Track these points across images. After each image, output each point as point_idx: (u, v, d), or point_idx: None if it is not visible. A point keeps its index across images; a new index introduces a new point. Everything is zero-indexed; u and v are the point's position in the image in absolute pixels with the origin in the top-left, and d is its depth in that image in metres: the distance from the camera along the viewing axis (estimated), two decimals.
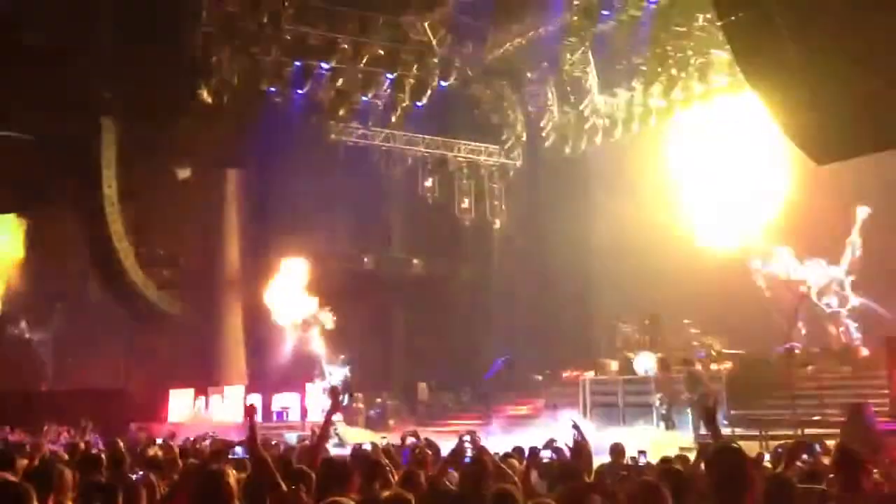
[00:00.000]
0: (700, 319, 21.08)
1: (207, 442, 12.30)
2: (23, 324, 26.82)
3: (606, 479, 6.92)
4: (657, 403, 16.97)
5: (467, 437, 8.37)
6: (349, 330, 21.06)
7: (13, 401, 21.50)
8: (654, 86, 21.64)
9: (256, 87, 21.59)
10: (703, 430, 15.15)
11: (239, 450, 8.29)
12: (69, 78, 19.97)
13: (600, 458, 8.14)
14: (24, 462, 7.04)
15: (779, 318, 17.71)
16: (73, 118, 21.07)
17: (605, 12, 20.66)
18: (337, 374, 18.76)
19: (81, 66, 19.61)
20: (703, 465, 4.85)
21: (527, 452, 8.00)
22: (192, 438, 14.44)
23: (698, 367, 16.65)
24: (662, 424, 16.74)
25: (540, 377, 21.30)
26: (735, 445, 4.32)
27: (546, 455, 8.32)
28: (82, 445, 9.24)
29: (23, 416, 19.06)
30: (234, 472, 5.83)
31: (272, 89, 22.03)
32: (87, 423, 14.69)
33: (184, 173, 23.91)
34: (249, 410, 5.93)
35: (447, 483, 6.14)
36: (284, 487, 5.15)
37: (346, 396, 18.39)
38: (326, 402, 18.77)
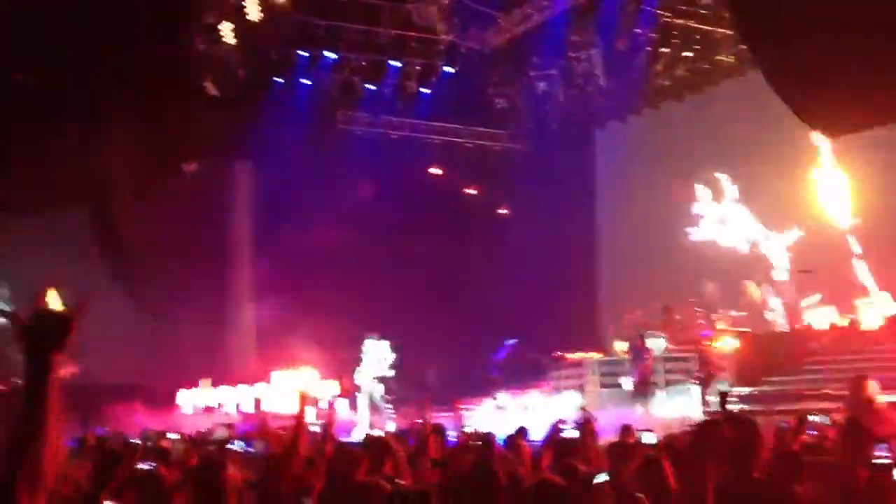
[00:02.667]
0: (707, 298, 21.12)
1: (217, 434, 12.39)
2: None
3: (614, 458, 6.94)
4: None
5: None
6: (356, 317, 21.11)
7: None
8: (659, 65, 21.61)
9: (262, 78, 21.64)
10: (709, 408, 15.32)
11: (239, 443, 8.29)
12: (72, 72, 20.01)
13: (609, 438, 8.16)
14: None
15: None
16: (78, 111, 21.14)
17: None
18: (375, 351, 18.66)
19: (85, 59, 19.63)
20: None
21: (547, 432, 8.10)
22: (204, 430, 14.56)
23: (710, 349, 16.80)
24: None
25: (547, 360, 21.35)
26: (745, 417, 4.36)
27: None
28: (93, 440, 9.30)
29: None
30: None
31: (278, 80, 22.07)
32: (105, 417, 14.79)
33: (190, 166, 23.96)
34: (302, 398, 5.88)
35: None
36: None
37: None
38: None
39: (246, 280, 24.37)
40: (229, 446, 7.46)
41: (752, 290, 20.30)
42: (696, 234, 21.70)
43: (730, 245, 21.20)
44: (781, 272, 20.04)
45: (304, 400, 5.50)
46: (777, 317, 19.48)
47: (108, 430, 14.27)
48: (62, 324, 2.25)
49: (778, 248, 20.31)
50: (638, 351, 17.40)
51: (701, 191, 21.94)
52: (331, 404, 5.93)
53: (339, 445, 8.41)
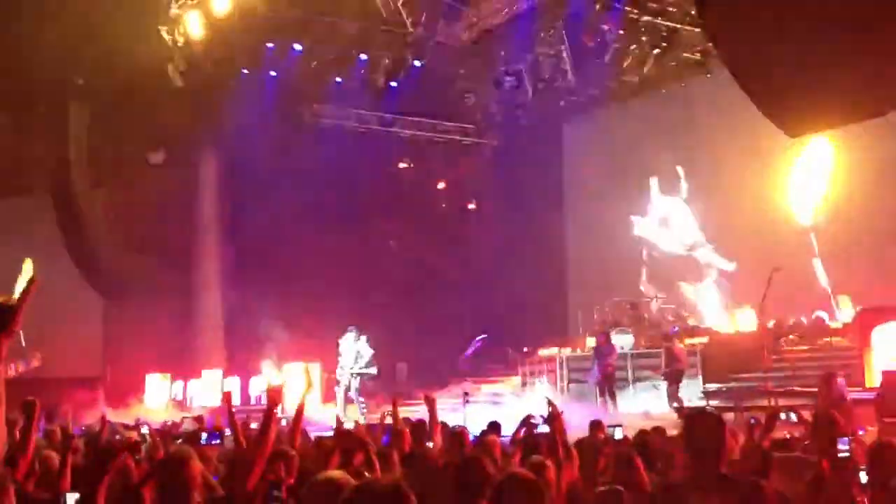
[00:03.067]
0: (675, 295, 21.37)
1: (184, 426, 12.28)
2: None
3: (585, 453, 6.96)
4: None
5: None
6: (324, 312, 21.04)
7: None
8: (627, 62, 21.74)
9: (229, 69, 21.43)
10: (676, 404, 15.49)
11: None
12: (38, 63, 19.73)
13: (578, 433, 8.19)
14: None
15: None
16: (43, 103, 20.87)
17: None
18: (349, 347, 18.59)
19: (50, 50, 19.35)
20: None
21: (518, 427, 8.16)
22: (169, 423, 14.43)
23: (676, 343, 16.94)
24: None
25: (517, 355, 21.44)
26: (710, 411, 4.39)
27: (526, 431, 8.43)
28: (59, 432, 9.16)
29: None
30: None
31: (245, 71, 21.88)
32: (67, 409, 14.59)
33: (156, 158, 23.70)
34: (226, 397, 5.84)
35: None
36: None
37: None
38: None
39: (212, 272, 24.17)
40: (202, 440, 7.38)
41: (685, 288, 20.72)
42: (639, 227, 22.11)
43: (667, 249, 21.65)
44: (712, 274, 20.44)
45: (273, 394, 5.43)
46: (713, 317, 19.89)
47: (71, 422, 14.09)
48: (7, 311, 2.31)
49: (711, 256, 20.71)
50: (601, 347, 17.48)
51: (654, 184, 22.26)
52: (301, 397, 5.87)
53: (314, 440, 8.40)
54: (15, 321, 2.30)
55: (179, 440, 8.86)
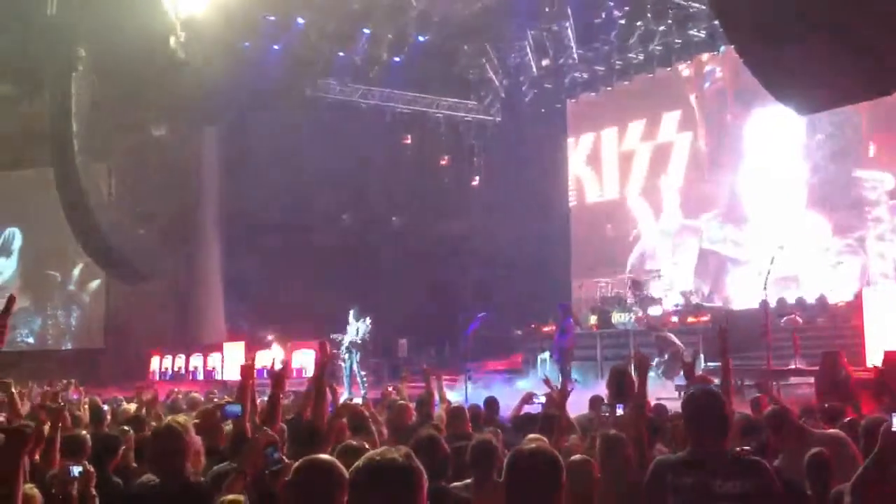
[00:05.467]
0: (678, 273, 21.40)
1: (181, 397, 12.22)
2: None
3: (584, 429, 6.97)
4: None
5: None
6: (326, 287, 21.06)
7: None
8: (632, 39, 21.60)
9: (231, 43, 21.31)
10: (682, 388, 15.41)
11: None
12: (40, 35, 19.65)
13: (578, 411, 8.20)
14: None
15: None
16: (45, 75, 20.78)
17: None
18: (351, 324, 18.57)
19: (52, 22, 19.26)
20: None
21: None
22: (178, 396, 14.42)
23: (665, 331, 16.88)
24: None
25: (519, 332, 21.46)
26: (710, 389, 4.38)
27: (527, 409, 8.45)
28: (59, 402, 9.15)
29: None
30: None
31: (247, 44, 21.76)
32: (70, 382, 14.59)
33: (158, 131, 23.64)
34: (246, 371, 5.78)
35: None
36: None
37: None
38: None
39: (215, 245, 24.19)
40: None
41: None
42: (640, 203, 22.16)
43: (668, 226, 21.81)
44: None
45: (279, 376, 5.46)
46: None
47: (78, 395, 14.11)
48: None
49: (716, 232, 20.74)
50: (561, 324, 17.08)
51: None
52: (280, 367, 5.71)
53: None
54: (1, 336, 2.46)
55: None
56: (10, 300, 2.59)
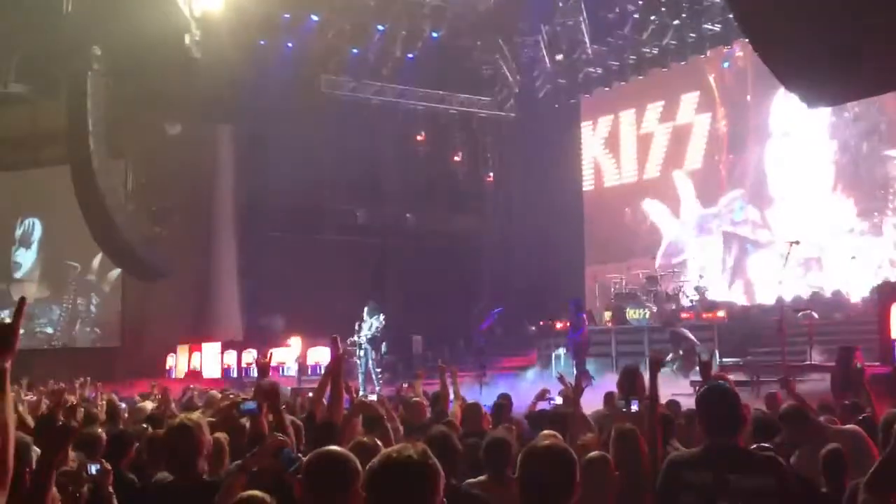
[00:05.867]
0: (692, 268, 21.34)
1: (196, 395, 12.27)
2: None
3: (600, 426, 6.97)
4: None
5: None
6: (341, 284, 21.11)
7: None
8: (646, 34, 21.53)
9: (246, 40, 21.36)
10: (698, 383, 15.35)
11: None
12: (56, 33, 19.78)
13: (593, 406, 8.20)
14: None
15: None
16: (62, 74, 20.91)
17: None
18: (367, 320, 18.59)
19: (68, 20, 19.37)
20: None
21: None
22: (193, 393, 14.47)
23: (680, 327, 16.81)
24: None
25: (533, 328, 21.43)
26: (724, 385, 4.37)
27: (542, 405, 8.47)
28: (73, 399, 9.22)
29: (18, 375, 19.11)
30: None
31: (262, 42, 21.82)
32: (86, 379, 14.68)
33: (174, 129, 23.73)
34: (263, 366, 5.83)
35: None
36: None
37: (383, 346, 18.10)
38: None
39: (230, 243, 24.26)
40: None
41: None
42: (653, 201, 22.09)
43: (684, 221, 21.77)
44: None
45: (263, 368, 5.55)
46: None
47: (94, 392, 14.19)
48: (5, 331, 2.46)
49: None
50: (573, 320, 17.05)
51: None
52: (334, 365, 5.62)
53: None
54: (14, 340, 2.47)
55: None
56: (21, 303, 2.62)
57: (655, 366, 5.52)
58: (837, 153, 19.51)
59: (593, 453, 4.47)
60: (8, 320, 2.53)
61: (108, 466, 4.29)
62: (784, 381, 8.48)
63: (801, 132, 19.87)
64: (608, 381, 12.26)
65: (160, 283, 22.85)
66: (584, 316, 17.21)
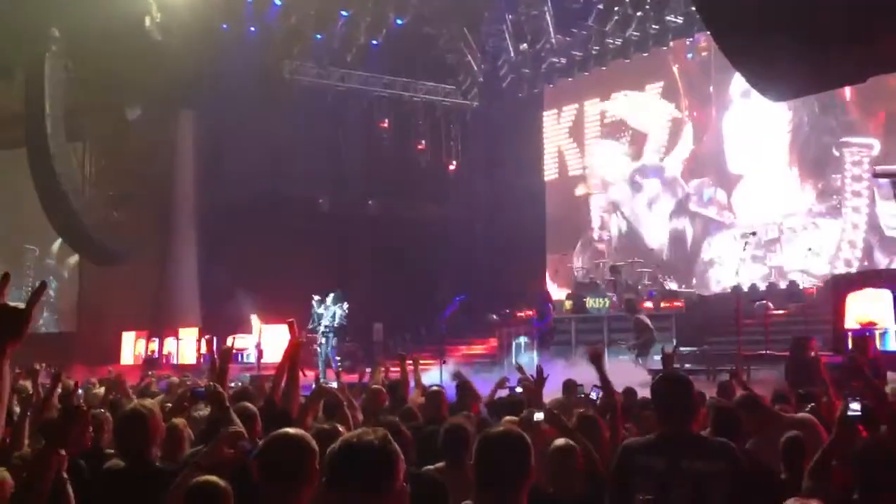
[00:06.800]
0: (653, 258, 21.53)
1: (160, 384, 12.19)
2: None
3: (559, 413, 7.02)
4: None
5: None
6: (302, 271, 21.00)
7: None
8: (609, 25, 21.63)
9: (208, 24, 21.11)
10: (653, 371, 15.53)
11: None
12: (14, 14, 19.39)
13: (553, 394, 8.26)
14: None
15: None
16: (19, 55, 20.54)
17: None
18: (329, 312, 18.52)
19: (27, 1, 19.01)
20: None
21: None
22: (151, 379, 14.35)
23: (643, 315, 16.96)
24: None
25: (495, 317, 21.50)
26: (678, 374, 4.44)
27: (501, 393, 8.53)
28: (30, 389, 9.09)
29: None
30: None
31: (224, 26, 21.58)
32: (41, 367, 14.47)
33: (133, 113, 23.42)
34: (225, 352, 5.82)
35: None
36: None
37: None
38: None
39: (189, 229, 24.03)
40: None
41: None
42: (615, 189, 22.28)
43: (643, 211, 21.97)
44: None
45: (225, 353, 5.52)
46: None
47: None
48: (18, 316, 2.41)
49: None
50: (540, 307, 17.32)
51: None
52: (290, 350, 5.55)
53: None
54: (26, 327, 2.43)
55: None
56: (41, 287, 2.57)
57: (597, 359, 5.65)
58: (792, 136, 19.93)
59: (560, 441, 4.52)
60: (22, 305, 2.48)
61: (63, 452, 4.24)
62: (734, 372, 8.68)
63: (758, 107, 20.08)
64: (568, 369, 12.37)
65: (118, 269, 22.59)
66: (551, 306, 17.34)
